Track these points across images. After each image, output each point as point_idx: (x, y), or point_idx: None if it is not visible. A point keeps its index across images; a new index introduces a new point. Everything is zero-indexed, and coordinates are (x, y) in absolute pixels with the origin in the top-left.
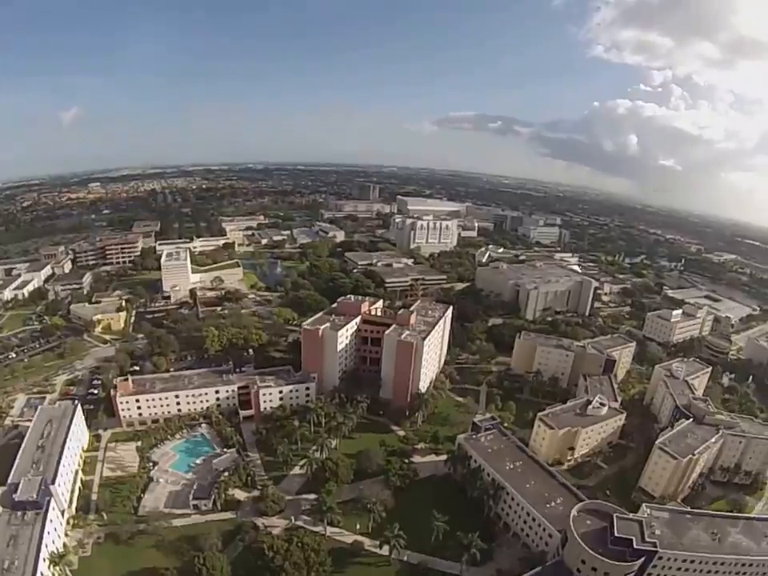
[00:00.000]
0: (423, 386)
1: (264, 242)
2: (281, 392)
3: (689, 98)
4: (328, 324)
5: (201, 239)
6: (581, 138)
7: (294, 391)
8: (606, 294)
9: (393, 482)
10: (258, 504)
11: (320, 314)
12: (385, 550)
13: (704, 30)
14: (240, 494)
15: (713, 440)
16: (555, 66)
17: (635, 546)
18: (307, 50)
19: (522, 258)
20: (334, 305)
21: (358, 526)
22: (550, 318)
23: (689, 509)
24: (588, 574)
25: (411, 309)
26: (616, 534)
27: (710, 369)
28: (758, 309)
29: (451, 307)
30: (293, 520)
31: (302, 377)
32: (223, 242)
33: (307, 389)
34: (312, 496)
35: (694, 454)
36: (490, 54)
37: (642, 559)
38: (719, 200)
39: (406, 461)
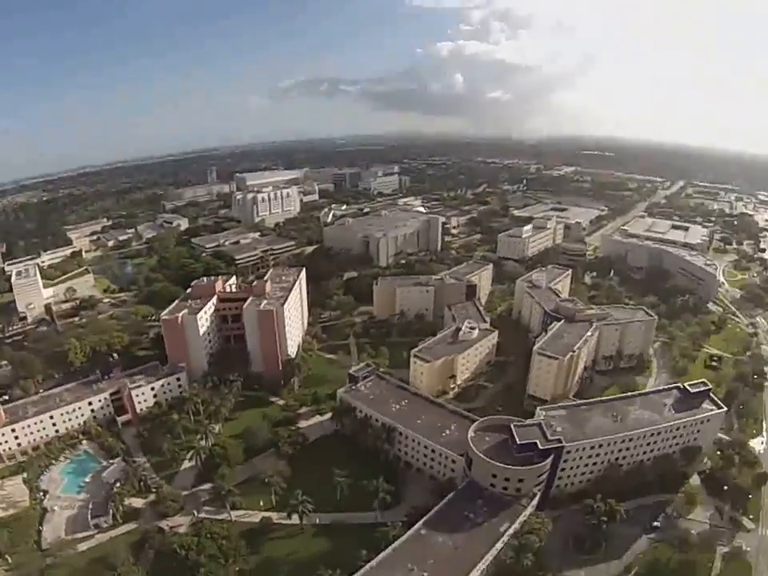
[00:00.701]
0: (292, 351)
1: (110, 243)
2: (153, 389)
3: (509, 30)
4: (185, 310)
5: (48, 252)
6: (409, 86)
7: (165, 385)
8: (454, 227)
9: (285, 451)
10: (157, 507)
11: (176, 302)
12: (295, 519)
13: None
14: (137, 502)
15: (588, 333)
16: (376, 21)
17: (541, 448)
18: (122, 36)
19: (366, 210)
20: (188, 290)
21: (261, 503)
22: (403, 261)
23: (581, 400)
24: (501, 486)
25: (265, 278)
26: (519, 442)
27: (569, 271)
28: (606, 209)
29: (304, 269)
30: (196, 514)
31: (170, 369)
32: (70, 251)
33: (178, 379)
34: (208, 485)
35: (573, 351)
36: (312, 19)
37: (551, 457)
38: (553, 121)
39: (293, 428)
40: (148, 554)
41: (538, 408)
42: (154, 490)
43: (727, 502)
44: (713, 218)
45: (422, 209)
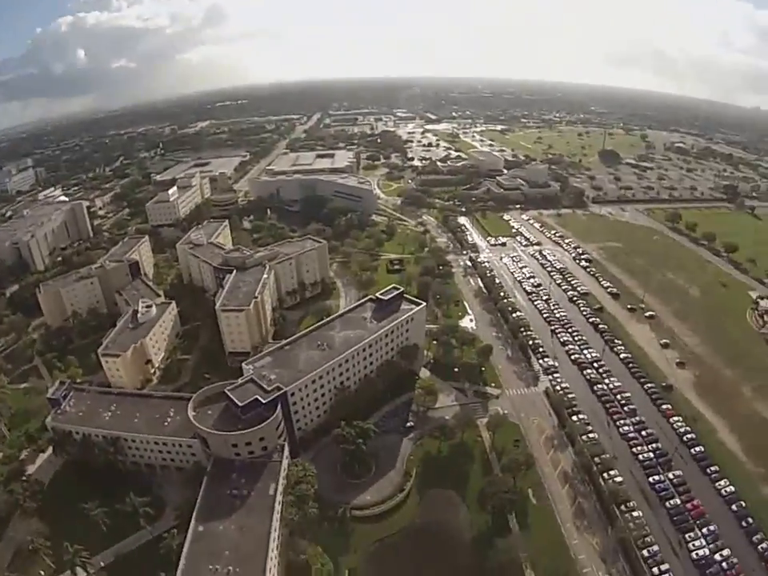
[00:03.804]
0: None
1: None
2: None
3: None
4: None
5: None
6: (30, 71)
7: None
8: (100, 208)
9: (29, 507)
10: None
11: None
12: (81, 573)
13: None
14: None
15: (264, 276)
16: None
17: (264, 402)
18: None
19: (9, 215)
20: None
21: (42, 573)
22: (60, 258)
23: (283, 341)
24: (247, 452)
25: None
26: (241, 404)
27: (226, 222)
28: (248, 154)
29: None
30: None
31: None
32: None
33: None
34: None
35: (255, 297)
36: None
37: (279, 406)
38: (181, 81)
39: (24, 478)
40: None
41: (244, 363)
42: None
43: (464, 380)
44: (356, 141)
45: (64, 197)
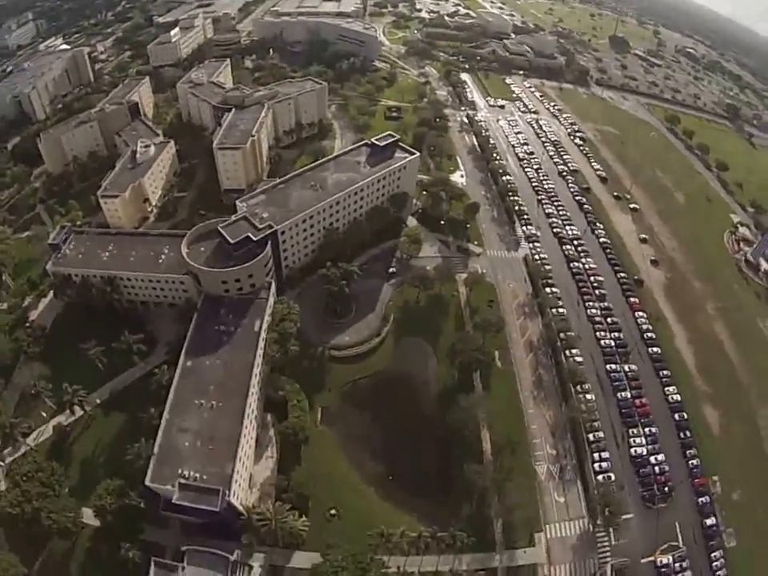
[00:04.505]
0: None
1: None
2: None
3: None
4: None
5: None
6: None
7: None
8: (102, 52)
9: (32, 351)
10: None
11: None
12: (79, 412)
13: None
14: None
15: (263, 114)
16: None
17: (255, 239)
18: None
19: (10, 69)
20: None
21: (44, 414)
22: (60, 106)
23: (278, 180)
24: (236, 288)
25: None
26: (233, 241)
27: (227, 61)
28: None
29: None
30: None
31: None
32: None
33: None
34: None
35: (252, 135)
36: None
37: (269, 244)
38: None
39: (27, 324)
40: None
41: (237, 201)
42: None
43: (449, 234)
44: None
45: (65, 46)
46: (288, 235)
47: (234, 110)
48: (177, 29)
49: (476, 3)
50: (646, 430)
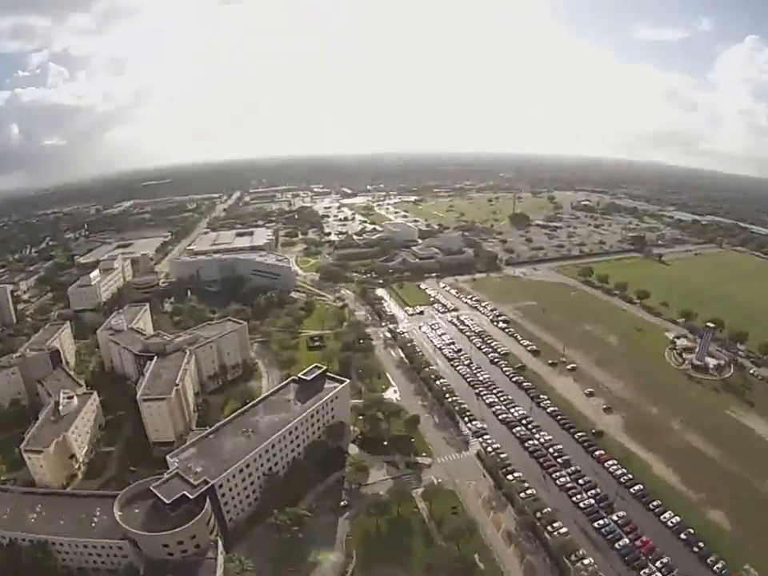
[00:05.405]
0: None
1: None
2: None
3: (66, 72)
4: None
5: None
6: None
7: None
8: (24, 291)
9: None
10: None
11: None
12: None
13: (80, 4)
14: None
15: (185, 361)
16: None
17: (192, 497)
18: None
19: None
20: None
21: None
22: None
23: (208, 429)
24: (179, 551)
25: None
26: (168, 501)
27: (147, 305)
28: (169, 234)
29: None
30: None
31: None
32: None
33: None
34: None
35: (177, 385)
36: None
37: (208, 500)
38: (107, 160)
39: None
40: None
41: (168, 456)
42: None
43: (394, 453)
44: (274, 218)
45: None
46: (226, 488)
47: (156, 357)
48: (96, 271)
49: (381, 217)
50: (657, 563)
